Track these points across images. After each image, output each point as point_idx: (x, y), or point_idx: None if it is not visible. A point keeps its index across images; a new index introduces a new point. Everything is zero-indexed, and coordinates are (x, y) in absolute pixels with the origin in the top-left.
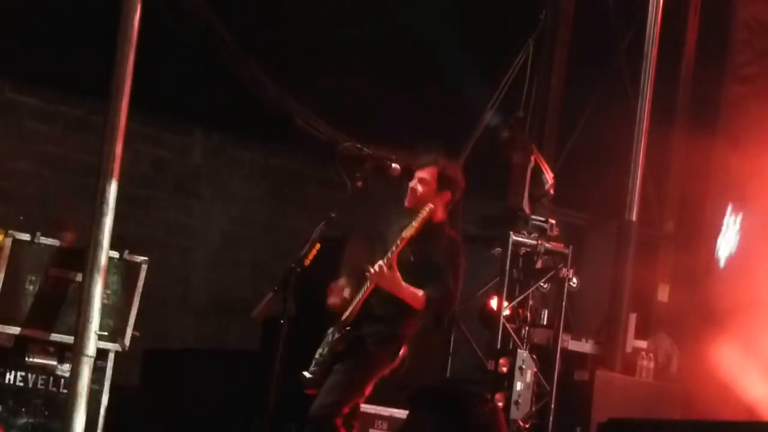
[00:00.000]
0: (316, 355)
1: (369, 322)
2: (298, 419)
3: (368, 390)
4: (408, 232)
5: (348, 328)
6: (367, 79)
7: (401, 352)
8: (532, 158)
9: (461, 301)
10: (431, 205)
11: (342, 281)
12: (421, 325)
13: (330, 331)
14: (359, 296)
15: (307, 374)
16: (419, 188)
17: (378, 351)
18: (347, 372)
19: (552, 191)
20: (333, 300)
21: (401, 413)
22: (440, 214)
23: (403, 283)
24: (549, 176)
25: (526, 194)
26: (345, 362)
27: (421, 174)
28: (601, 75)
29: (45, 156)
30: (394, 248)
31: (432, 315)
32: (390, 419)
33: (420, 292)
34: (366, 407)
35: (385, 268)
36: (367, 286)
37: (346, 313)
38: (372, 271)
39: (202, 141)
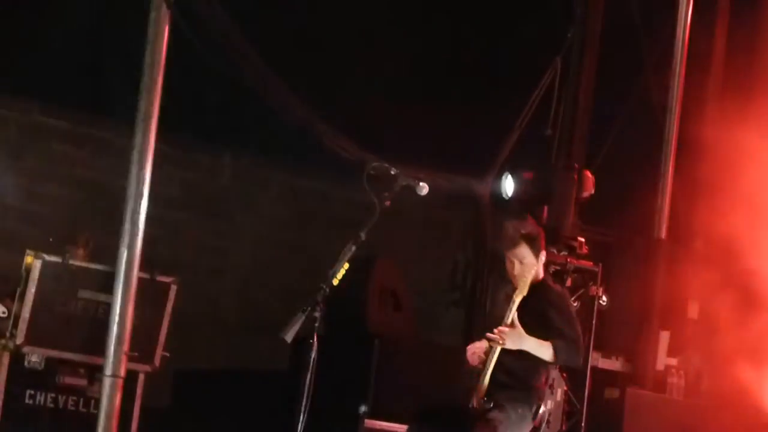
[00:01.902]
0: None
1: (501, 384)
2: None
3: None
4: (519, 295)
5: (484, 399)
6: (395, 98)
7: (540, 411)
8: (575, 177)
9: (489, 320)
10: (535, 267)
11: (479, 344)
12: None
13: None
14: (488, 368)
15: None
16: (517, 267)
17: (518, 406)
18: None
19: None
20: (473, 360)
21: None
22: (541, 273)
23: (527, 336)
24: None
25: (571, 214)
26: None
27: (511, 255)
28: (629, 92)
29: (74, 178)
30: (509, 311)
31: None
32: None
33: (546, 343)
34: (382, 424)
35: (506, 329)
36: (492, 355)
37: (481, 387)
38: (493, 337)
39: (231, 162)
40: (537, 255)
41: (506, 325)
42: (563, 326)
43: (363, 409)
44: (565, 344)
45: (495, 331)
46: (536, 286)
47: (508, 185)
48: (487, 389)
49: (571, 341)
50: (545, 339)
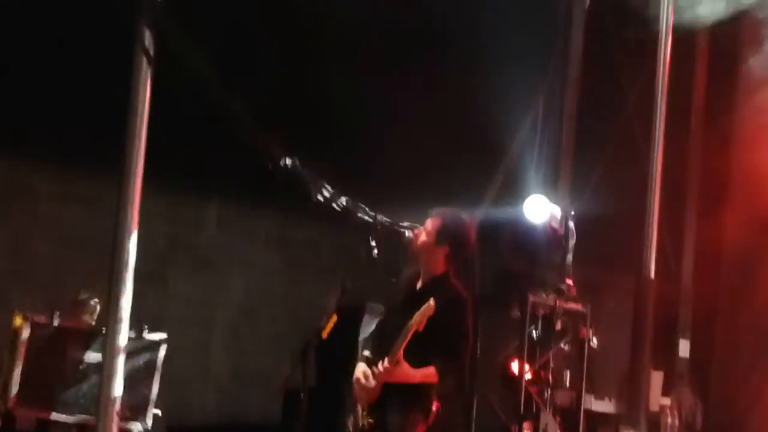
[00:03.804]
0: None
1: (390, 398)
2: None
3: None
4: (413, 327)
5: (371, 409)
6: (382, 144)
7: (433, 408)
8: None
9: (481, 366)
10: (432, 304)
11: (361, 373)
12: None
13: (356, 412)
14: (370, 396)
15: None
16: (420, 237)
17: (408, 420)
18: None
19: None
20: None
21: None
22: (440, 267)
23: (412, 372)
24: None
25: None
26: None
27: (426, 224)
28: (612, 129)
29: (61, 237)
30: (399, 343)
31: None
32: None
33: (431, 370)
34: None
35: (390, 367)
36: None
37: (367, 400)
38: (379, 372)
39: (217, 213)
40: (440, 242)
41: (393, 362)
42: (453, 341)
43: None
44: (451, 368)
45: (378, 367)
46: (433, 284)
47: (539, 210)
48: (380, 395)
49: (458, 364)
50: (433, 351)
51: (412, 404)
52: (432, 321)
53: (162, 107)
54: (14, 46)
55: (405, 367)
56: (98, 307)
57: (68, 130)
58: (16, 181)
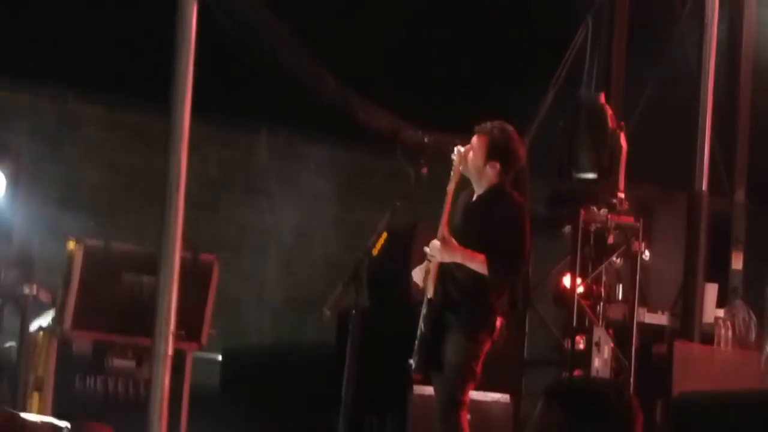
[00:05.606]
0: (416, 342)
1: (452, 300)
2: (377, 411)
3: (479, 369)
4: (450, 186)
5: (434, 308)
6: (427, 63)
7: (497, 323)
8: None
9: (534, 282)
10: (460, 148)
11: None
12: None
13: (422, 316)
14: (431, 279)
15: (411, 362)
16: (468, 156)
17: (474, 327)
18: (452, 362)
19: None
20: (418, 283)
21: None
22: (493, 179)
23: (459, 247)
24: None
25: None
26: (447, 352)
27: (473, 140)
28: (662, 46)
29: (112, 164)
30: (442, 214)
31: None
32: None
33: (480, 256)
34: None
35: (438, 243)
36: (433, 268)
37: (428, 296)
38: (428, 251)
39: (268, 139)
40: (490, 157)
41: (440, 239)
42: (505, 241)
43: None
44: (500, 258)
45: (430, 245)
46: (492, 191)
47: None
48: (441, 309)
49: (507, 255)
50: (484, 249)
51: (477, 320)
52: (486, 224)
53: (211, 34)
54: None
55: (452, 243)
56: None
57: (115, 55)
58: (66, 109)
